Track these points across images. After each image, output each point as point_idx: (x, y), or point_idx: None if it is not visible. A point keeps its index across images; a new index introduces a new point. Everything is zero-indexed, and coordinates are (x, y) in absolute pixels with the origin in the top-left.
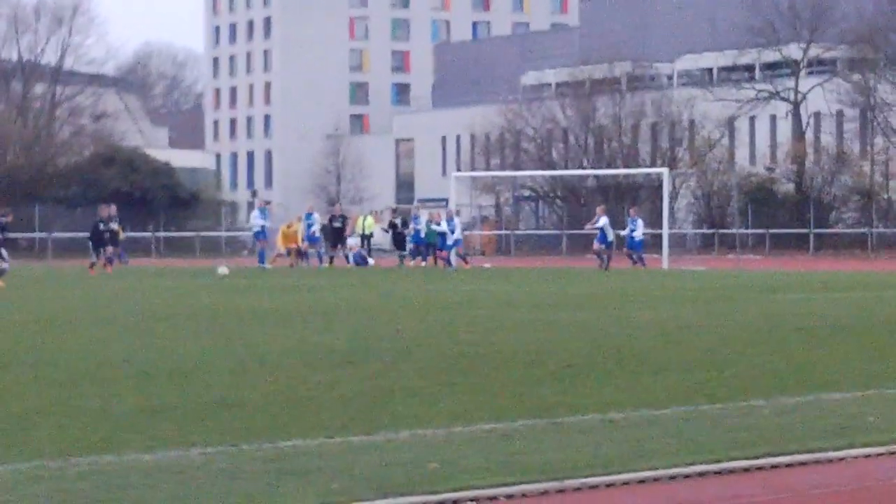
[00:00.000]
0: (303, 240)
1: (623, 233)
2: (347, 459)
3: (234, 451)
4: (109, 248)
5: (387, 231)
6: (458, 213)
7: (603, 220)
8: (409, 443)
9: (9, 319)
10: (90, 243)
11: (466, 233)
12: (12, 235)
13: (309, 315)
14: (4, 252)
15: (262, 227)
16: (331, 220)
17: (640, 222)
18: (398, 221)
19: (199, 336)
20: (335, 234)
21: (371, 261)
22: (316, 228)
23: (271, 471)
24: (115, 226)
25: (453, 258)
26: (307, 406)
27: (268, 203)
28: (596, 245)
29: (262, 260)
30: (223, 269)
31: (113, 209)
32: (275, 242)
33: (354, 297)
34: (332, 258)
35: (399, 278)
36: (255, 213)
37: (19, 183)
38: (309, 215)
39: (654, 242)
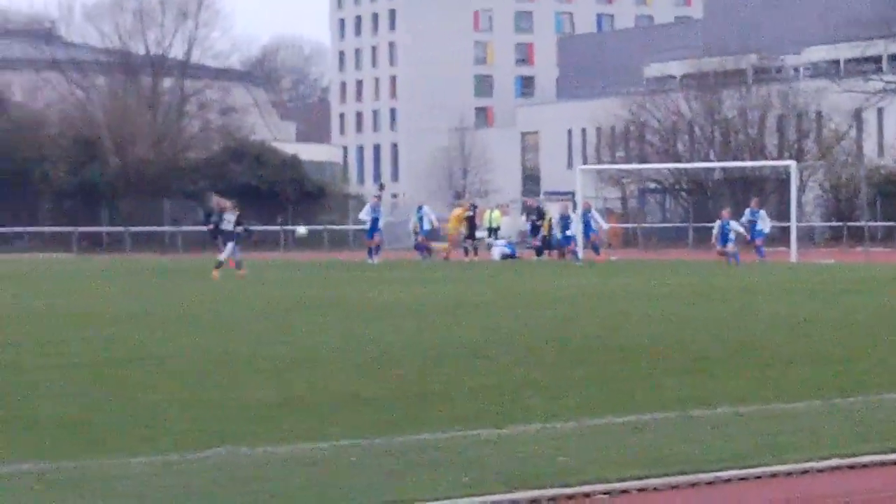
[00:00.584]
0: (416, 233)
1: (742, 220)
2: (478, 453)
3: (365, 444)
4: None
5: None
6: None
7: (733, 222)
8: (539, 436)
9: (140, 313)
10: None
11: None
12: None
13: (437, 309)
14: (230, 244)
15: (373, 221)
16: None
17: (762, 213)
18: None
19: (327, 329)
20: (468, 226)
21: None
22: (427, 222)
23: (402, 464)
24: (216, 218)
25: (580, 250)
26: (437, 399)
27: (395, 196)
28: (731, 247)
29: (370, 255)
30: (302, 230)
31: (216, 202)
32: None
33: (482, 290)
34: (476, 249)
35: (527, 271)
36: (366, 207)
37: (149, 177)
38: (419, 209)
39: (782, 235)
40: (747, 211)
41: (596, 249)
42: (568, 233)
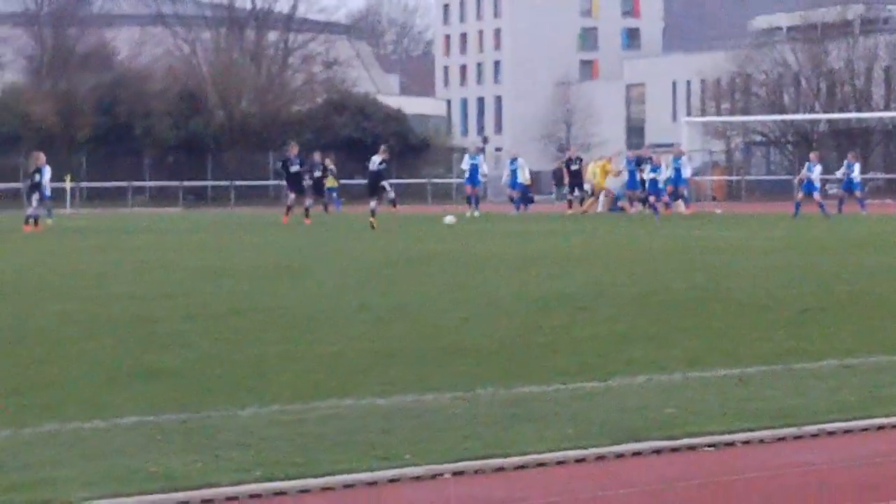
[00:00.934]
0: (510, 186)
1: (839, 173)
2: (583, 405)
3: (470, 396)
4: (291, 195)
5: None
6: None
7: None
8: (644, 388)
9: (245, 265)
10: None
11: (697, 178)
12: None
13: (540, 260)
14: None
15: (472, 170)
16: (567, 164)
17: (857, 166)
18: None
19: (431, 281)
20: (573, 177)
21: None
22: (521, 175)
23: (506, 416)
24: (296, 168)
25: (680, 202)
26: (541, 351)
27: (498, 150)
28: (817, 196)
29: (475, 204)
30: (450, 219)
31: (294, 150)
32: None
33: (585, 242)
34: (581, 201)
35: (630, 224)
36: (465, 157)
37: (253, 130)
38: (513, 161)
39: (887, 187)
40: (844, 163)
41: (685, 200)
42: (654, 176)
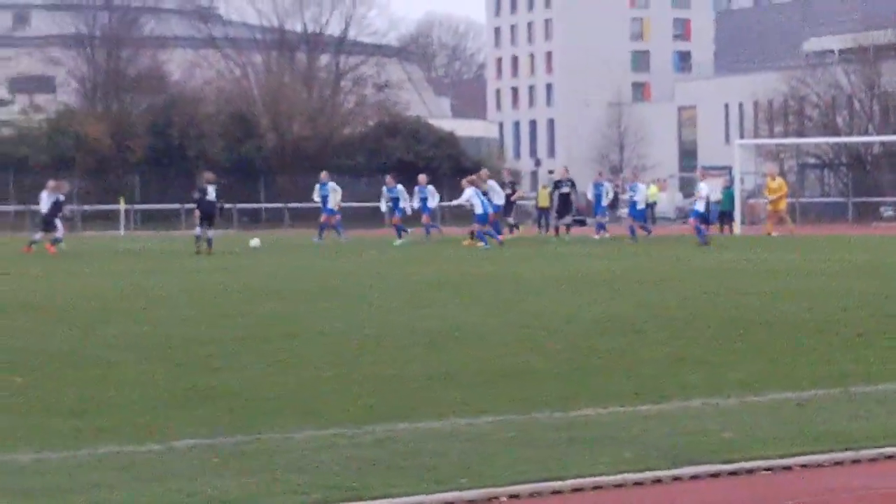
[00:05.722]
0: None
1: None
2: (639, 428)
3: (525, 419)
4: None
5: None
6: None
7: (704, 190)
8: (700, 412)
9: (294, 289)
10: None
11: (751, 200)
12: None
13: (593, 283)
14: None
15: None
16: (557, 186)
17: (641, 188)
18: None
19: (484, 304)
20: (562, 202)
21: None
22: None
23: (562, 439)
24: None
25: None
26: (596, 374)
27: (550, 172)
28: (691, 220)
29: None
30: (255, 242)
31: (210, 176)
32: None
33: (636, 265)
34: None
35: (679, 246)
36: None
37: (305, 153)
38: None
39: None
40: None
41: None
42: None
